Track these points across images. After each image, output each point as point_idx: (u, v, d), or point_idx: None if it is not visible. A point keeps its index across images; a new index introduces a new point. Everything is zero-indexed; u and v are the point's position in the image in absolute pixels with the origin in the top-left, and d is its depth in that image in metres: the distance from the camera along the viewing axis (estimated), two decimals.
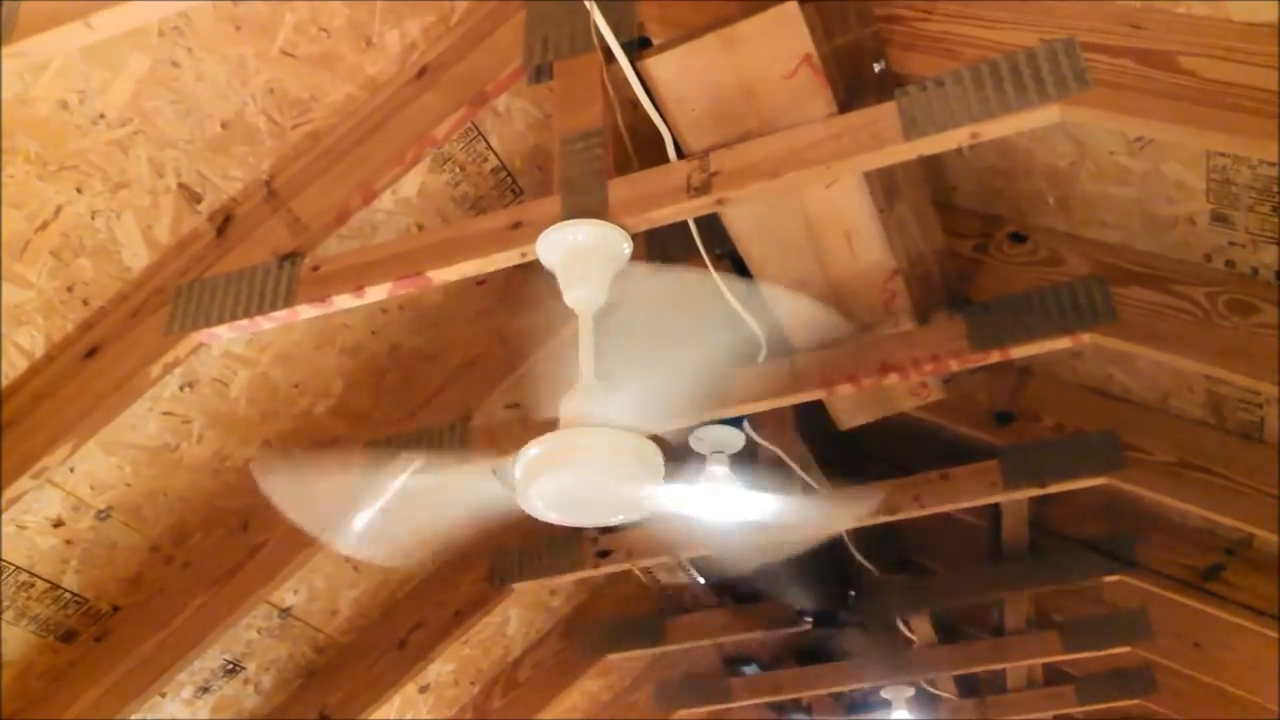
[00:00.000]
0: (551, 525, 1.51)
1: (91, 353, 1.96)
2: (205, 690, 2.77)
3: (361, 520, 1.59)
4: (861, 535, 3.15)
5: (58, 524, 2.23)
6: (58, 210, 1.85)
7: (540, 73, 1.83)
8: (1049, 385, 2.66)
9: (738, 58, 1.64)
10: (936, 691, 4.12)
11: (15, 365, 1.94)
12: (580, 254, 1.58)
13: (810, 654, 4.04)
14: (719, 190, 1.59)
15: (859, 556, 3.21)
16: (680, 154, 1.73)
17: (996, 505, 2.93)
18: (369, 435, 2.51)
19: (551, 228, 1.58)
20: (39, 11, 1.57)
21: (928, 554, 3.62)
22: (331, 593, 2.90)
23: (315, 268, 1.83)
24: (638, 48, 1.76)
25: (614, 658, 3.72)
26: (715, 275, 2.00)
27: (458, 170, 2.28)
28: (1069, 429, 2.60)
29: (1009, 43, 1.58)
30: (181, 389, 2.22)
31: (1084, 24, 1.54)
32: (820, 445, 2.60)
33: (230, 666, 2.80)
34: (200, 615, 2.40)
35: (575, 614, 3.75)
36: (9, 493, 1.92)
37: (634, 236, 1.61)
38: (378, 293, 1.76)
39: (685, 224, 1.93)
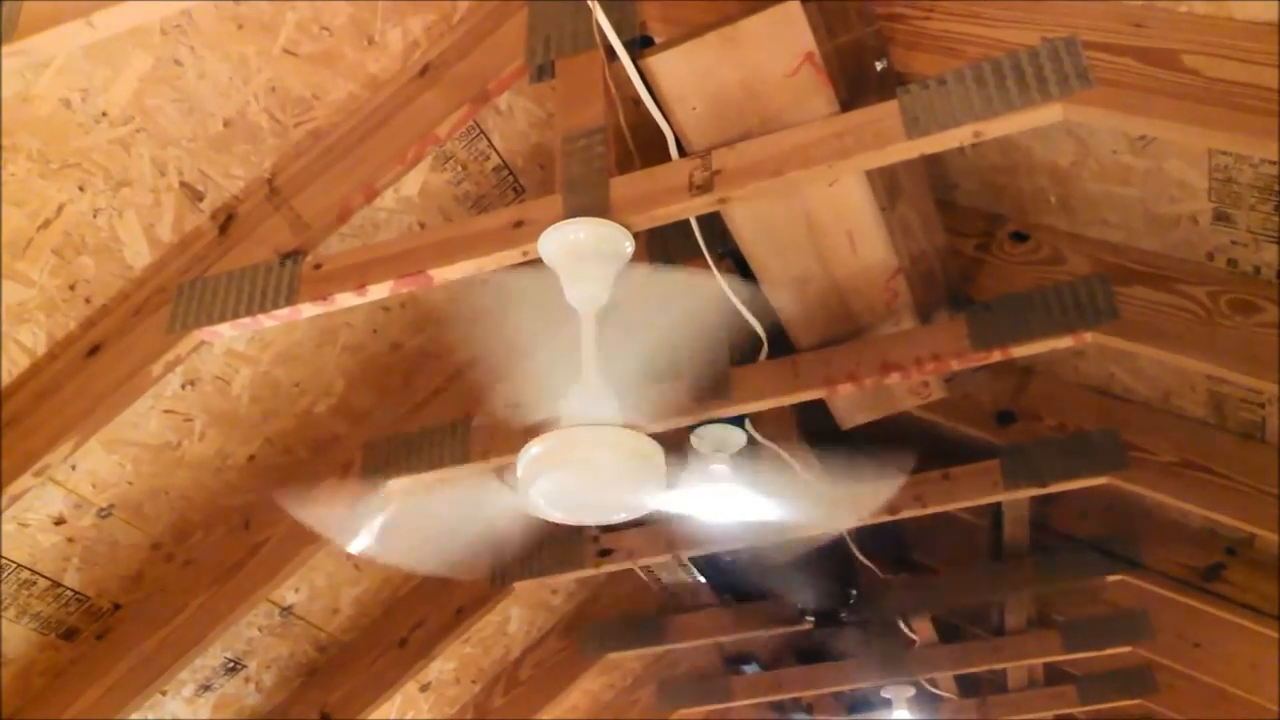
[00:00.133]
0: (552, 524, 1.51)
1: (93, 351, 1.96)
2: (206, 688, 2.78)
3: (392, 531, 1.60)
4: (863, 535, 3.15)
5: (59, 522, 2.23)
6: (60, 208, 1.85)
7: (542, 71, 1.83)
8: (1051, 384, 2.65)
9: (740, 56, 1.64)
10: (937, 691, 4.12)
11: (17, 363, 1.94)
12: (582, 253, 1.58)
13: (811, 653, 4.04)
14: (721, 189, 1.59)
15: (860, 556, 3.21)
16: (682, 152, 1.73)
17: (998, 505, 2.93)
18: (370, 434, 2.51)
19: (553, 226, 1.58)
20: (41, 10, 1.57)
21: (929, 553, 3.62)
22: (333, 591, 2.90)
23: (317, 266, 1.83)
24: (640, 46, 1.76)
25: (615, 656, 3.72)
26: (717, 274, 2.01)
27: (459, 169, 2.28)
28: (1070, 428, 2.59)
29: (1011, 41, 1.58)
30: (183, 387, 2.22)
31: (1086, 22, 1.54)
32: (821, 444, 2.60)
33: (231, 665, 2.80)
34: (201, 613, 2.40)
35: (576, 613, 3.75)
36: (10, 490, 1.93)
37: (636, 235, 1.61)
38: (379, 291, 1.76)
39: (687, 223, 1.92)
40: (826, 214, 1.96)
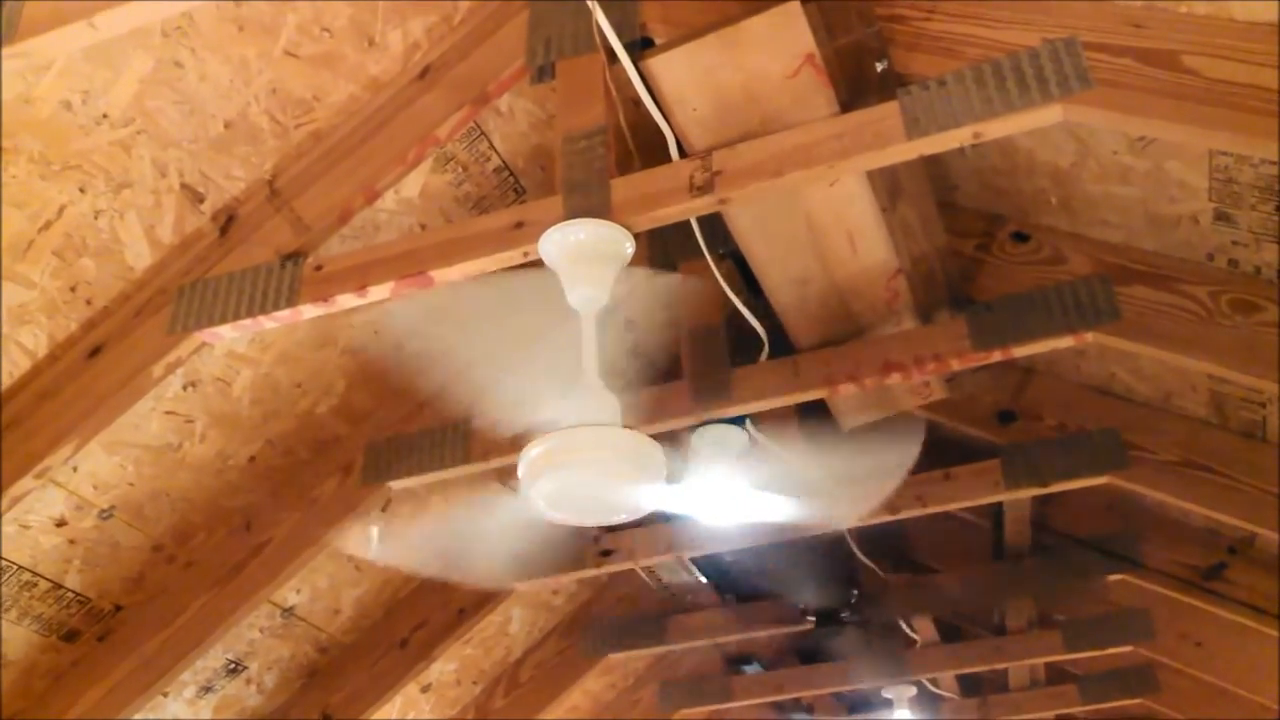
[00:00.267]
0: (553, 524, 1.51)
1: (94, 352, 1.96)
2: (208, 690, 2.78)
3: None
4: (864, 535, 3.15)
5: (60, 523, 2.23)
6: (61, 210, 1.85)
7: (543, 72, 1.83)
8: (1051, 384, 2.65)
9: (740, 57, 1.64)
10: (939, 691, 4.12)
11: (18, 365, 1.94)
12: (583, 253, 1.58)
13: (812, 653, 4.04)
14: (721, 190, 1.59)
15: (861, 556, 3.21)
16: (683, 153, 1.73)
17: (999, 504, 2.93)
18: (371, 435, 2.52)
19: (554, 227, 1.58)
20: (42, 11, 1.57)
21: (930, 553, 3.62)
22: (334, 592, 2.90)
23: (318, 267, 1.83)
24: (640, 47, 1.76)
25: (616, 657, 3.72)
26: (717, 275, 2.01)
27: (460, 170, 2.28)
28: (1071, 428, 2.60)
29: (1011, 42, 1.58)
30: (184, 388, 2.22)
31: (1086, 23, 1.54)
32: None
33: (233, 666, 2.80)
34: (203, 615, 2.40)
35: (577, 613, 3.75)
36: (12, 492, 1.93)
37: (636, 236, 1.61)
38: (380, 292, 1.76)
39: (687, 223, 1.93)
40: (827, 215, 1.96)
